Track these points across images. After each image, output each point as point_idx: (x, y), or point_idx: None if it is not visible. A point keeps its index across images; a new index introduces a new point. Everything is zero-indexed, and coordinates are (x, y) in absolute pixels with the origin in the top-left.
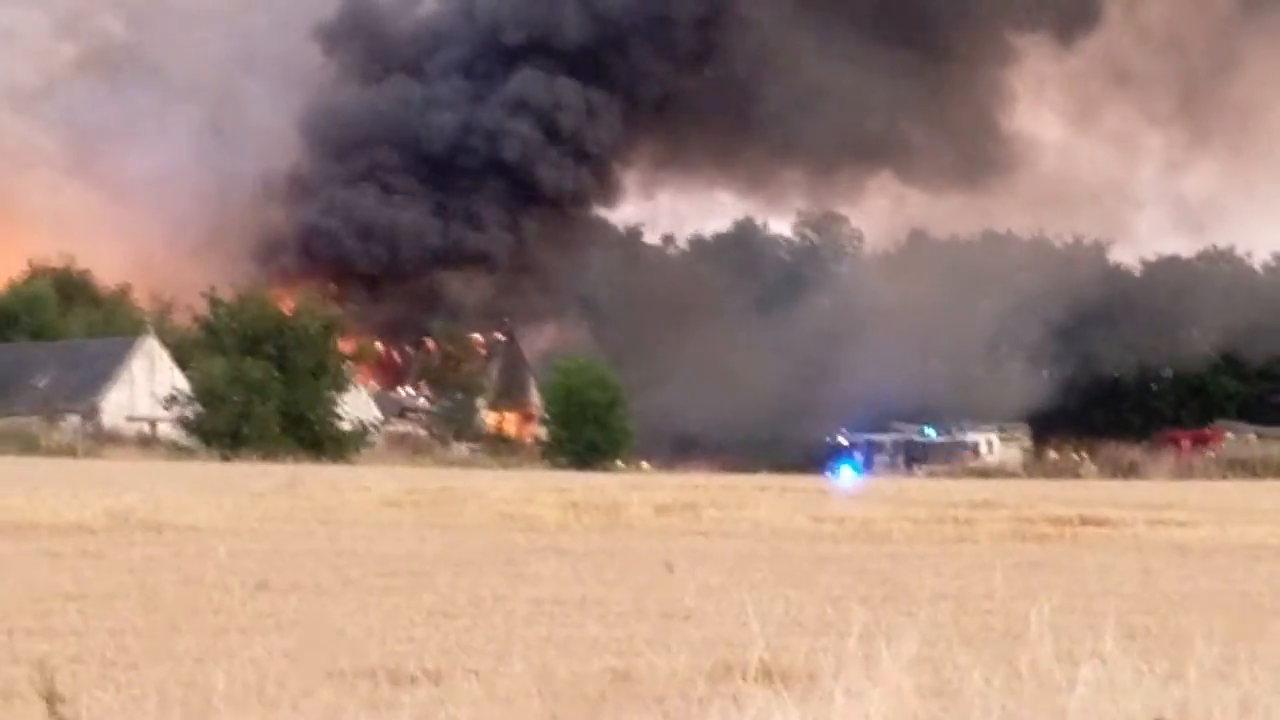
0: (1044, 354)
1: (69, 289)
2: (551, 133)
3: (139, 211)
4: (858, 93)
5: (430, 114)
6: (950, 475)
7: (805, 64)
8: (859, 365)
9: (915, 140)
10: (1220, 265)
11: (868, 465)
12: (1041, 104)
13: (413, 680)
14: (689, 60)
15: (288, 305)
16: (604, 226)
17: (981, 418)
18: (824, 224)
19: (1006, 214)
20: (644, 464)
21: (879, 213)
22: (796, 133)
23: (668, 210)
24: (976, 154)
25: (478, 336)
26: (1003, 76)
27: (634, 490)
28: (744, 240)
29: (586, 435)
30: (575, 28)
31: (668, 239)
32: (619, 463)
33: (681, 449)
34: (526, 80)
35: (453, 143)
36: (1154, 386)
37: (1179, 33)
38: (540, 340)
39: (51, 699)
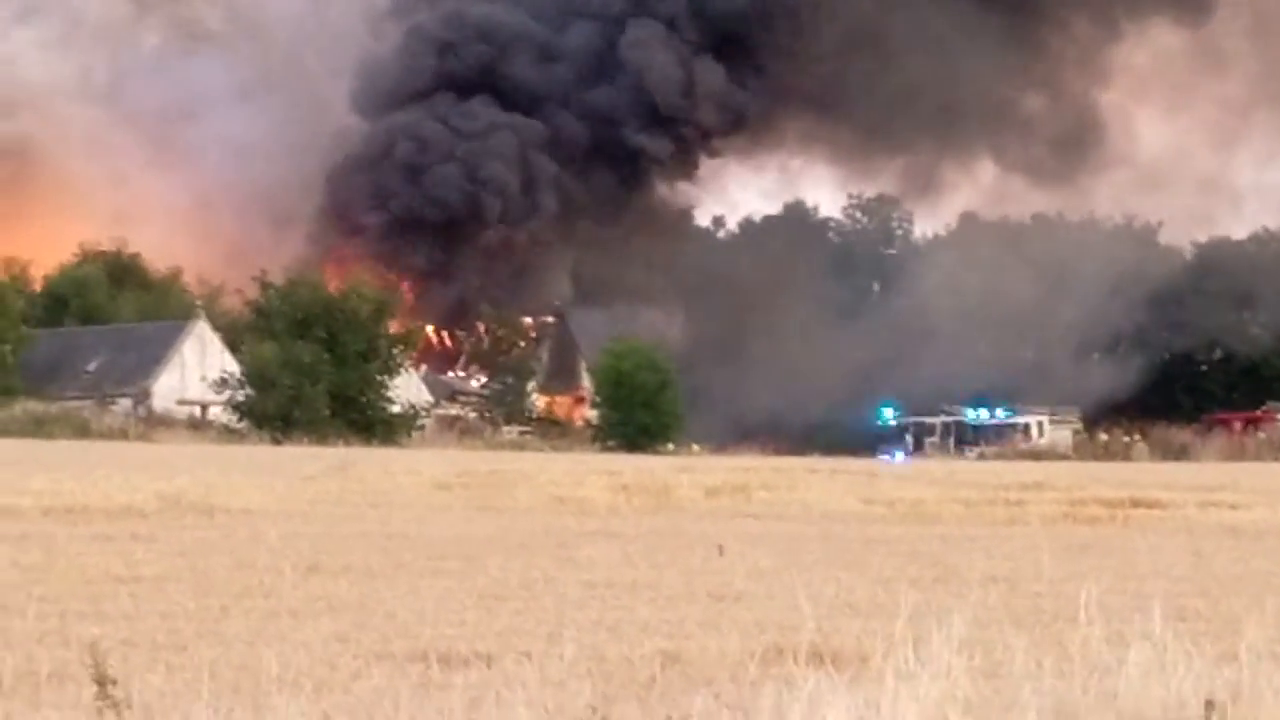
0: (1095, 336)
1: (119, 272)
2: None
3: (190, 194)
4: (954, 71)
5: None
6: (1001, 457)
7: (901, 43)
8: (909, 347)
9: (1013, 119)
10: (1271, 247)
11: (918, 447)
12: (1135, 87)
13: (464, 663)
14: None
15: (338, 288)
16: (657, 209)
17: (1032, 400)
18: (875, 206)
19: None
20: (694, 447)
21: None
22: (889, 111)
23: (714, 191)
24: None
25: (528, 319)
26: (1104, 58)
27: (684, 473)
28: (794, 222)
29: (637, 418)
30: None
31: (718, 221)
32: (670, 445)
33: (733, 432)
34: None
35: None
36: (1205, 368)
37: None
38: (592, 322)
39: (103, 681)
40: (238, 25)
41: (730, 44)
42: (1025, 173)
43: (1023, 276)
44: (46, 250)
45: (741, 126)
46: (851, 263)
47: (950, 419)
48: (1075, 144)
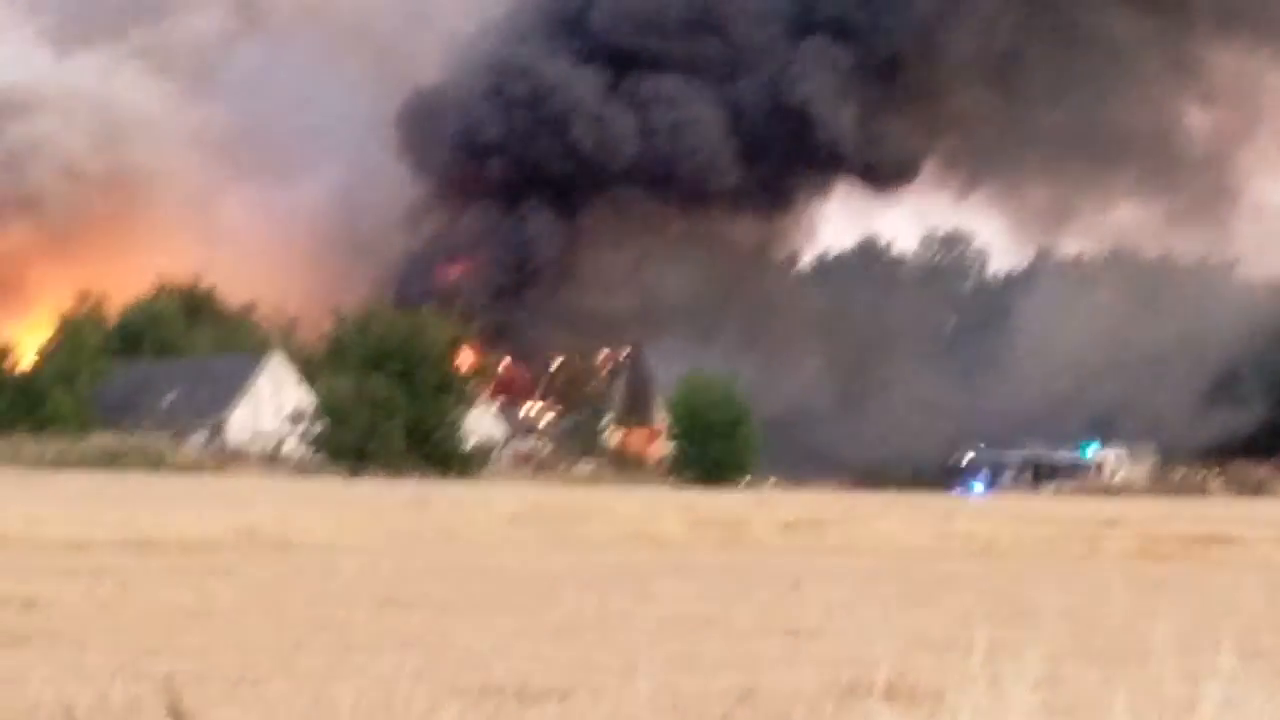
0: (1172, 372)
1: (195, 306)
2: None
3: (266, 228)
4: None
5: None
6: (1077, 493)
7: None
8: (985, 383)
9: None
10: None
11: (994, 482)
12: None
13: (539, 697)
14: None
15: (413, 322)
16: (730, 241)
17: (1109, 436)
18: (949, 241)
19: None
20: (770, 480)
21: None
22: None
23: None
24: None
25: (604, 352)
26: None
27: (759, 507)
28: (869, 258)
29: (712, 452)
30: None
31: (793, 256)
32: (745, 478)
33: (808, 466)
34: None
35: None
36: None
37: None
38: (667, 356)
39: (177, 716)
40: (320, 60)
41: (889, 79)
42: (1167, 214)
43: (1097, 312)
44: (122, 283)
45: (907, 167)
46: (927, 298)
47: (1027, 455)
48: (1214, 192)
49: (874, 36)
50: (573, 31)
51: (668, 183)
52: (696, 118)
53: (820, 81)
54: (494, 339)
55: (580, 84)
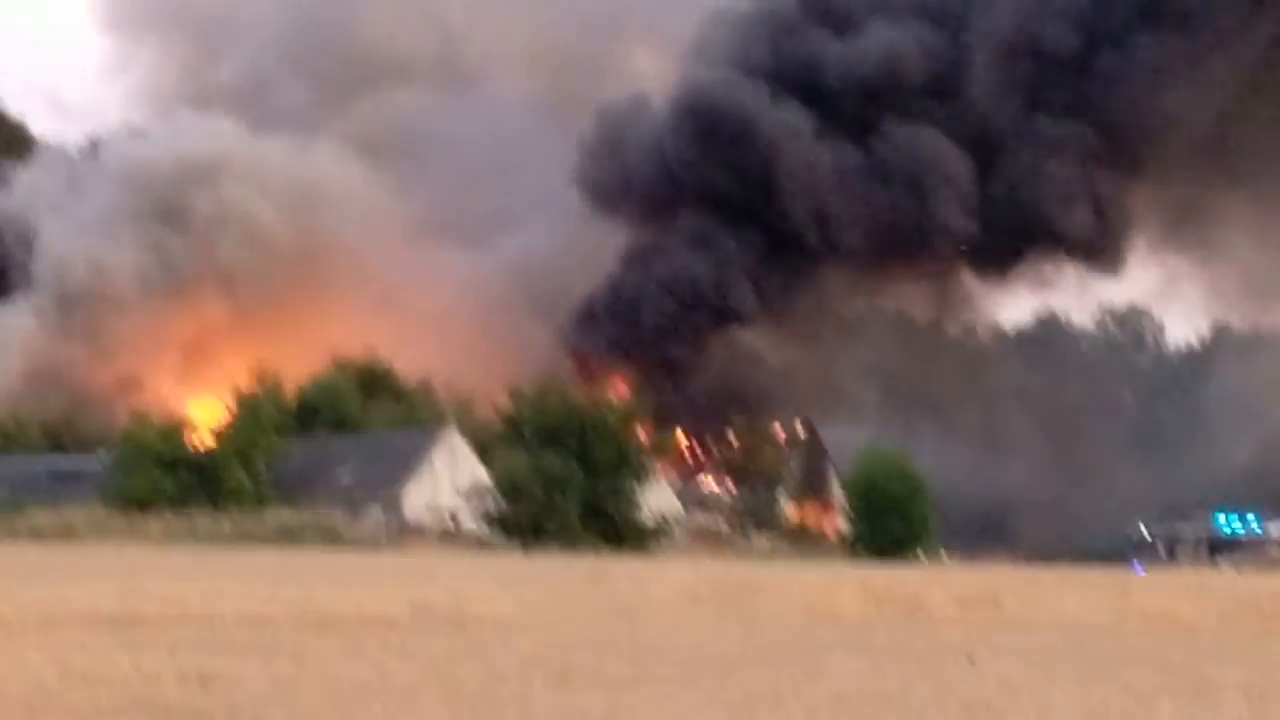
0: None
1: (371, 382)
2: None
3: (445, 302)
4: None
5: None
6: (1255, 567)
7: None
8: (1163, 458)
9: None
10: None
11: (1170, 556)
12: None
13: None
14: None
15: (588, 397)
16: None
17: None
18: (1127, 317)
19: None
20: (946, 556)
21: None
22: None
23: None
24: None
25: (778, 428)
26: None
27: (935, 582)
28: (1046, 333)
29: (888, 527)
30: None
31: (969, 330)
32: (921, 555)
33: (984, 541)
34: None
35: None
36: None
37: None
38: (840, 430)
39: None
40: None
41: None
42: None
43: (1276, 389)
44: (302, 359)
45: (1123, 244)
46: (1105, 373)
47: (1203, 528)
48: None
49: (1109, 113)
50: (797, 82)
51: (891, 241)
52: (948, 174)
53: (1059, 162)
54: (669, 414)
55: (792, 123)
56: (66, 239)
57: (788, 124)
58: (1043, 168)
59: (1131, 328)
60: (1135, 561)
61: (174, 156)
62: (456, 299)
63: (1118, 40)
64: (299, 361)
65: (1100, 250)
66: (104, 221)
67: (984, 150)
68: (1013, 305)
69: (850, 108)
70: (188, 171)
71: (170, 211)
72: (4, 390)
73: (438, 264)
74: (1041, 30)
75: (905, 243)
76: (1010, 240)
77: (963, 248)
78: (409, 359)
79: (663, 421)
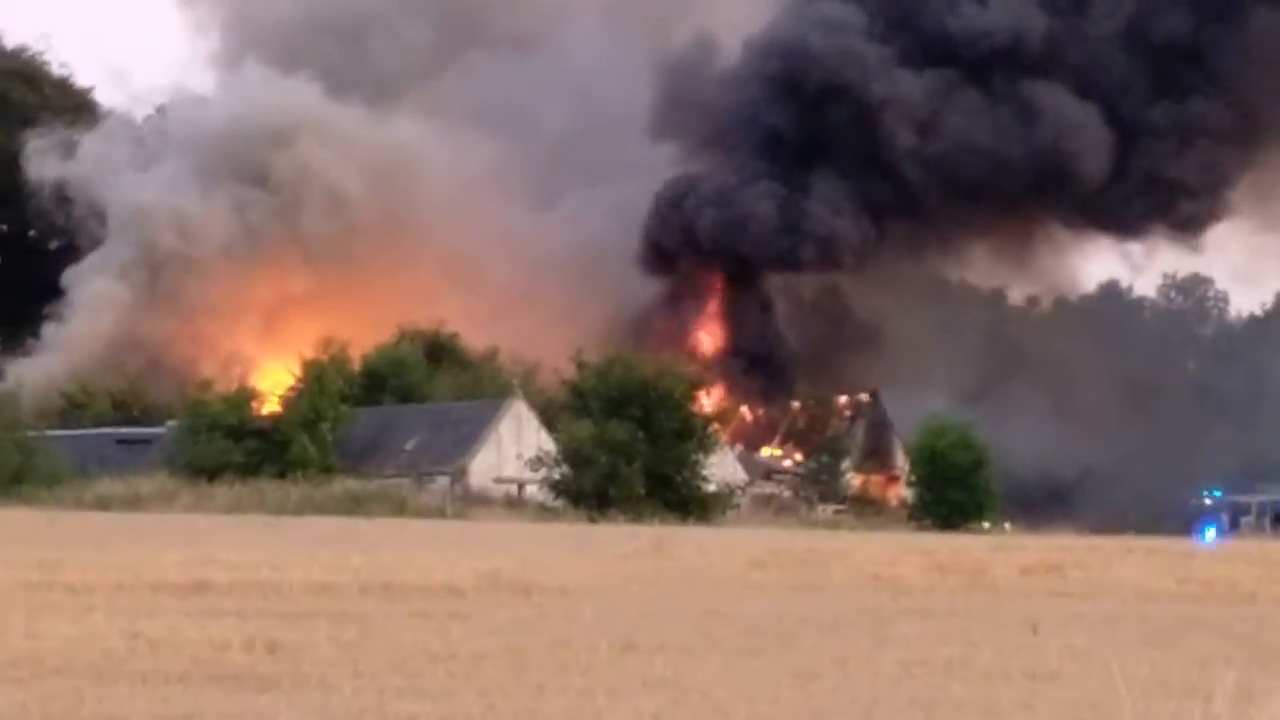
0: None
1: (437, 352)
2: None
3: (507, 274)
4: None
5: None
6: None
7: None
8: (1224, 427)
9: None
10: None
11: (1234, 527)
12: None
13: None
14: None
15: (653, 366)
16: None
17: None
18: (1189, 286)
19: None
20: (1006, 525)
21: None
22: None
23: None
24: None
25: (843, 398)
26: None
27: (998, 551)
28: (1109, 302)
29: (951, 497)
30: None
31: (1033, 300)
32: (985, 524)
33: (1047, 510)
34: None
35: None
36: None
37: None
38: (906, 401)
39: None
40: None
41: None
42: None
43: None
44: (366, 330)
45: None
46: (1167, 342)
47: (1267, 499)
48: None
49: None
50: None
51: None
52: (1080, 122)
53: (1179, 134)
54: (734, 383)
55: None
56: (143, 202)
57: (900, 75)
58: (1161, 137)
59: (1195, 296)
60: (1199, 531)
61: (252, 117)
62: (526, 268)
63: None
64: (373, 329)
65: (1200, 222)
66: (181, 184)
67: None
68: (1077, 273)
69: (977, 65)
70: (266, 133)
71: (249, 173)
72: (83, 357)
73: (508, 233)
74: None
75: (1016, 194)
76: (1124, 203)
77: (1082, 200)
78: (476, 328)
79: (728, 390)
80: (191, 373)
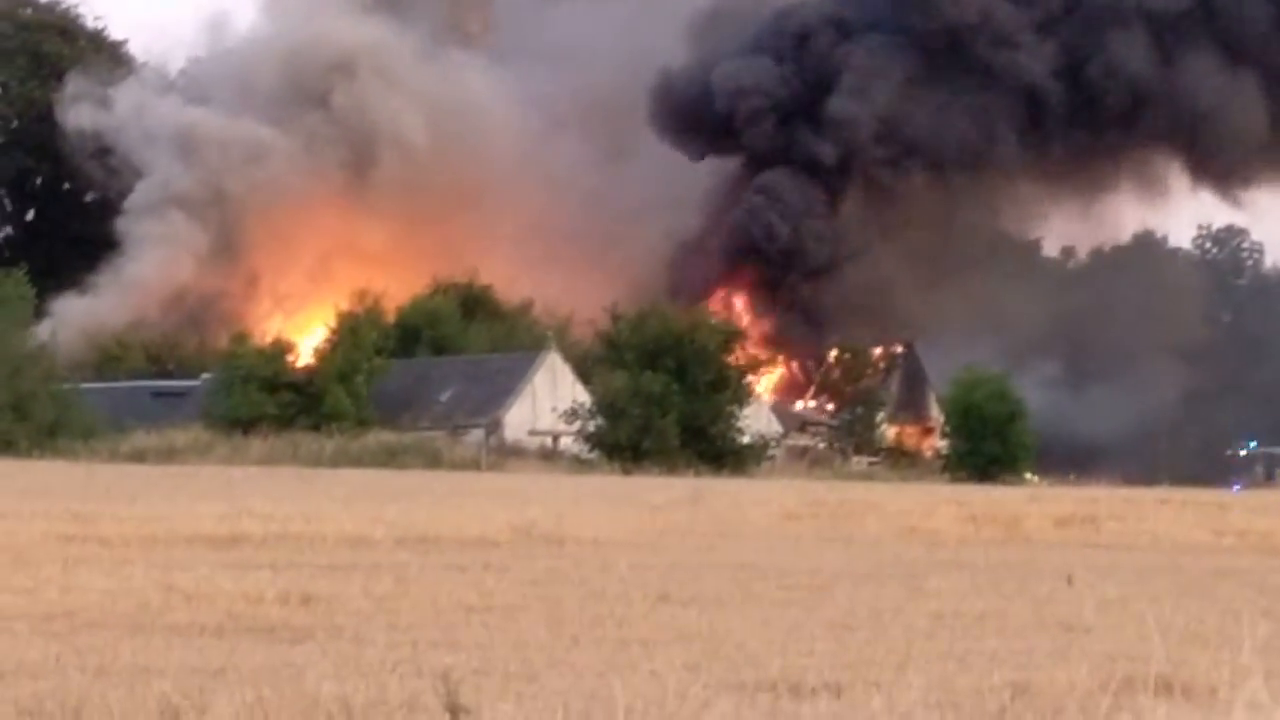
0: None
1: (471, 304)
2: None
3: (541, 224)
4: None
5: None
6: None
7: None
8: (1259, 378)
9: None
10: None
11: (1269, 477)
12: None
13: (813, 692)
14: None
15: (688, 318)
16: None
17: None
18: (1223, 237)
19: None
20: (1027, 475)
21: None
22: None
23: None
24: None
25: (877, 350)
26: None
27: (1033, 503)
28: (1144, 252)
29: (986, 448)
30: None
31: (1068, 251)
32: (1029, 476)
33: (1081, 461)
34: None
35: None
36: None
37: None
38: (941, 352)
39: (455, 711)
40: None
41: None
42: None
43: None
44: (400, 281)
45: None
46: (1202, 293)
47: None
48: None
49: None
50: None
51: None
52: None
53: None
54: (768, 334)
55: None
56: (207, 132)
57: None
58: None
59: (1230, 248)
60: (1234, 482)
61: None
62: (563, 218)
63: None
64: (398, 283)
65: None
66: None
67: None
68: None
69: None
70: (325, 64)
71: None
72: (142, 298)
73: (549, 181)
74: None
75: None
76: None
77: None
78: (510, 279)
79: (763, 342)
80: (241, 316)
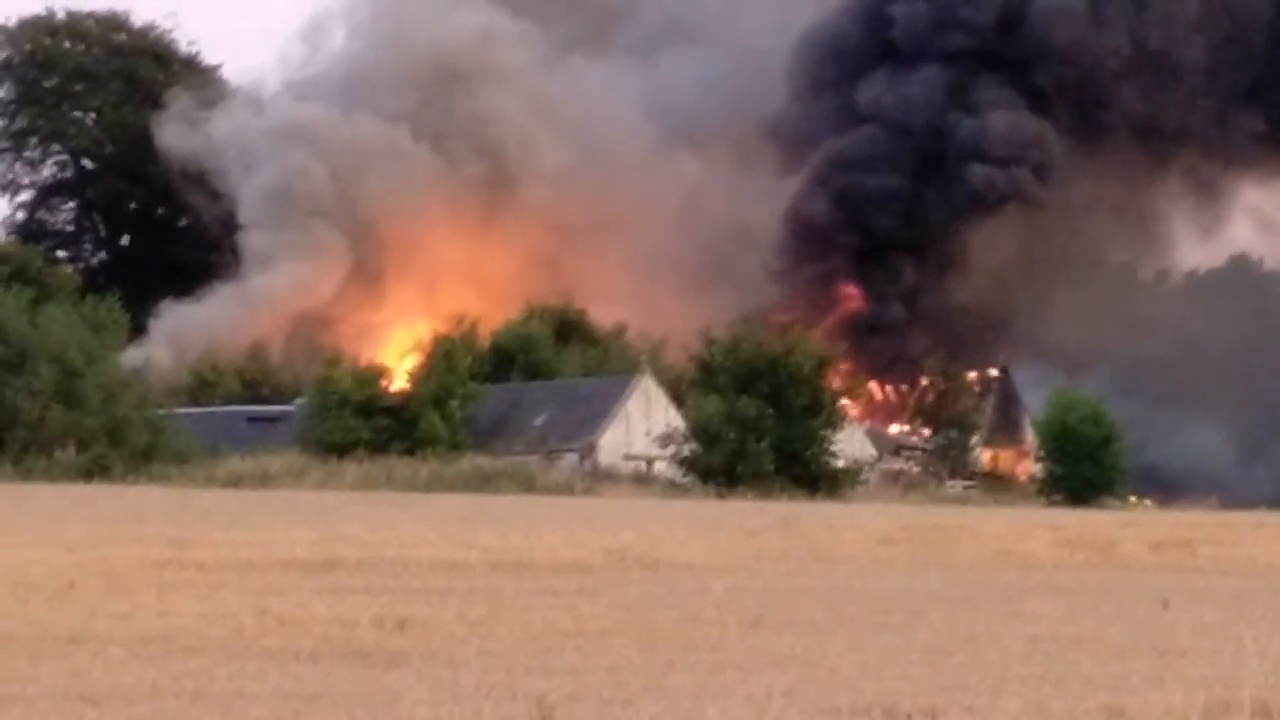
0: None
1: (565, 328)
2: None
3: (636, 248)
4: None
5: None
6: None
7: None
8: None
9: None
10: None
11: None
12: None
13: (908, 717)
14: None
15: (782, 342)
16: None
17: None
18: None
19: None
20: (1131, 498)
21: None
22: None
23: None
24: None
25: (972, 374)
26: None
27: (1128, 527)
28: (1241, 276)
29: (1081, 472)
30: None
31: (1162, 274)
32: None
33: (1178, 486)
34: None
35: None
36: None
37: None
38: (1034, 377)
39: None
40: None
41: None
42: None
43: None
44: (495, 306)
45: None
46: None
47: None
48: None
49: None
50: None
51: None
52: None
53: None
54: (863, 359)
55: None
56: (300, 139)
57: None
58: None
59: None
60: None
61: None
62: (658, 240)
63: None
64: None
65: None
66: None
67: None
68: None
69: None
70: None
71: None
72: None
73: (643, 200)
74: None
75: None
76: None
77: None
78: (604, 303)
79: (857, 365)
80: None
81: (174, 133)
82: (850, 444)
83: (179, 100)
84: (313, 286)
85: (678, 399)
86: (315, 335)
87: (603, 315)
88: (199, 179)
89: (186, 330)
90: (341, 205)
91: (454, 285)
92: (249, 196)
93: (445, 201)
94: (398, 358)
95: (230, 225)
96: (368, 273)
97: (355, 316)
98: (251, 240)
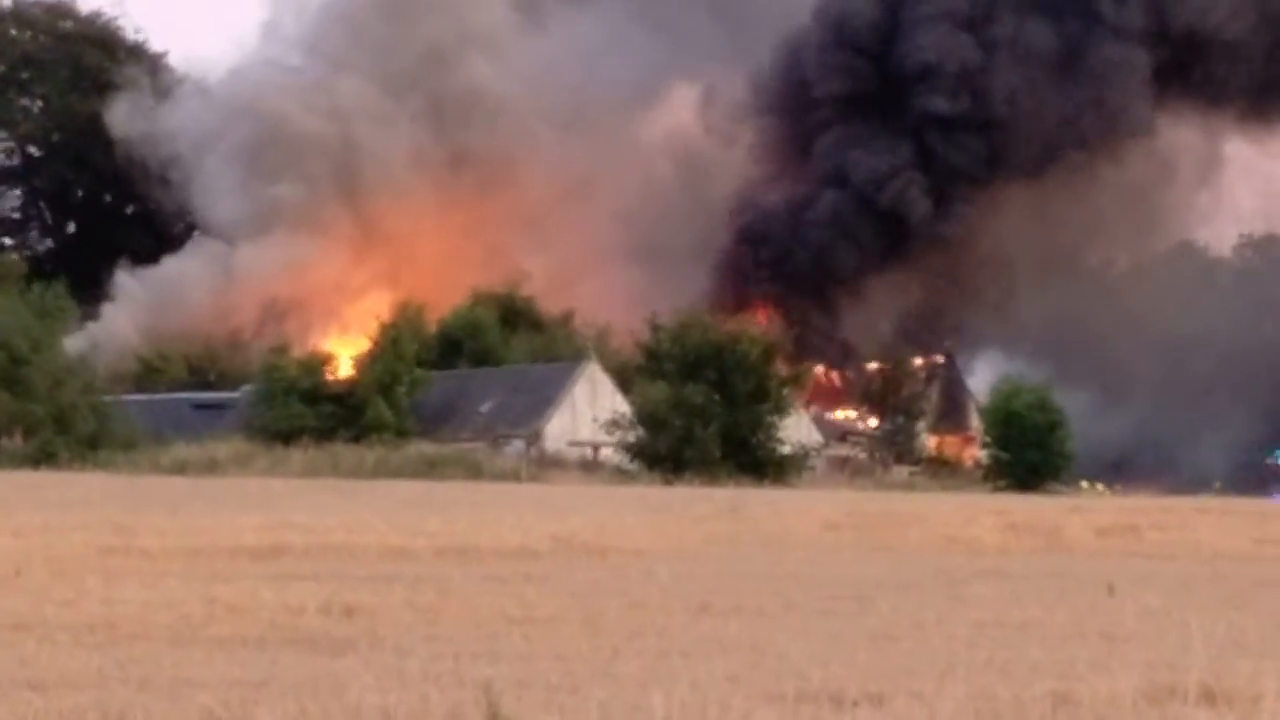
0: None
1: (512, 315)
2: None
3: (579, 236)
4: None
5: None
6: None
7: None
8: None
9: None
10: None
11: None
12: None
13: (855, 703)
14: None
15: (728, 329)
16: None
17: None
18: (1265, 245)
19: None
20: (1083, 484)
21: None
22: None
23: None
24: None
25: (917, 360)
26: None
27: (1073, 512)
28: (1183, 262)
29: (1027, 458)
30: None
31: (1108, 260)
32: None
33: (1122, 471)
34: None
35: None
36: None
37: None
38: (980, 363)
39: None
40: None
41: None
42: None
43: None
44: (440, 293)
45: None
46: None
47: None
48: None
49: None
50: None
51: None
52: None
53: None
54: (809, 344)
55: None
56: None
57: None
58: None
59: (1270, 256)
60: (1275, 491)
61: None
62: (602, 228)
63: None
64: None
65: None
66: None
67: None
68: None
69: None
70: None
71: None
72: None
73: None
74: None
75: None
76: None
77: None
78: (546, 291)
79: (803, 352)
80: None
81: (125, 115)
82: (797, 430)
83: (131, 83)
84: (288, 260)
85: (624, 385)
86: (283, 316)
87: (550, 302)
88: (149, 165)
89: (161, 289)
90: (312, 174)
91: (416, 266)
92: (214, 167)
93: (411, 171)
94: (357, 341)
95: (181, 212)
96: (342, 244)
97: (321, 298)
98: (218, 212)
